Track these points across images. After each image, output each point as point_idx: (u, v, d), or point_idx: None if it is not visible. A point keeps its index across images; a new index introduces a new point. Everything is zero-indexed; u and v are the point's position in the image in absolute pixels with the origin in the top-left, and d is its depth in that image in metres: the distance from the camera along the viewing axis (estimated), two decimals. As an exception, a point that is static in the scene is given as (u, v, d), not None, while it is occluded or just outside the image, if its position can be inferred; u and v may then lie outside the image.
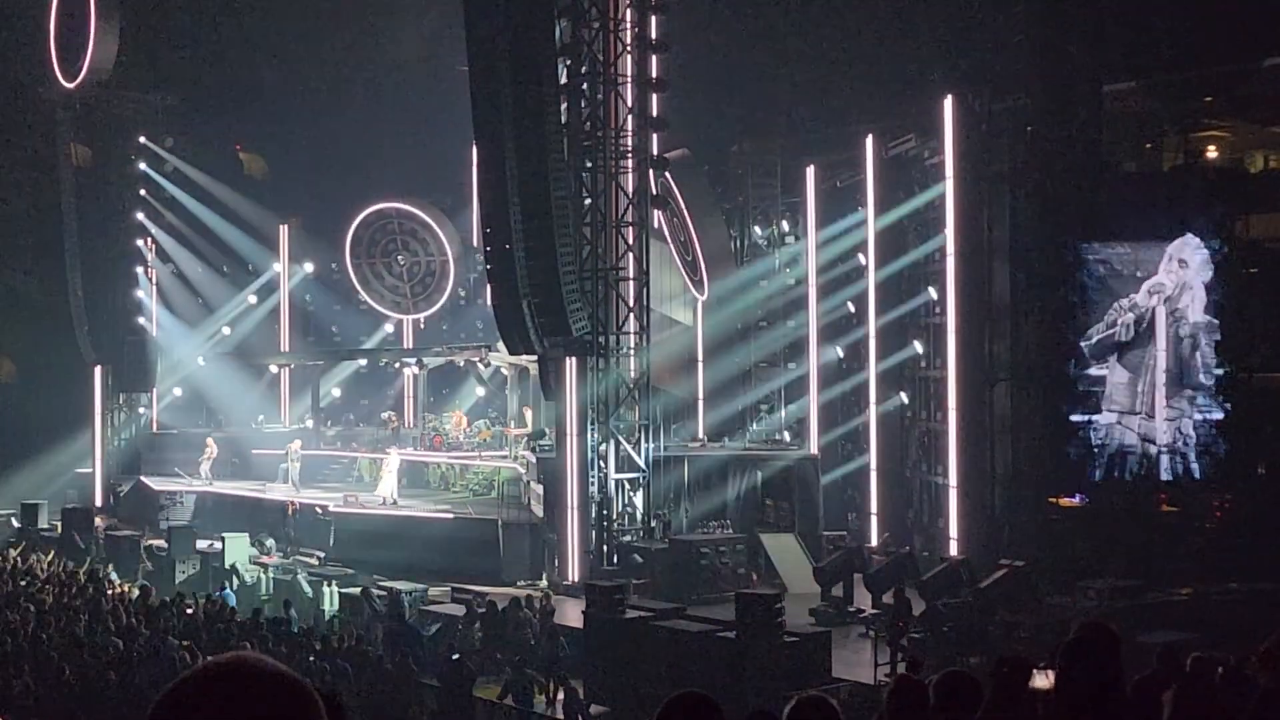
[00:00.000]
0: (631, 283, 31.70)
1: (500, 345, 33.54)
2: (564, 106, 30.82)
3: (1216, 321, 30.50)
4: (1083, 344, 30.56)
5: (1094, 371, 30.65)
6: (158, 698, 2.22)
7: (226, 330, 46.19)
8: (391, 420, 42.53)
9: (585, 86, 31.24)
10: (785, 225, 39.58)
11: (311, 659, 20.77)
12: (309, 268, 46.58)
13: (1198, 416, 30.57)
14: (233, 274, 46.61)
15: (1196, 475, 30.71)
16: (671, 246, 38.34)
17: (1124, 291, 30.60)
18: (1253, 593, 26.34)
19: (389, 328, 46.85)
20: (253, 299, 46.50)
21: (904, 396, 34.75)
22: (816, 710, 4.88)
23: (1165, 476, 30.72)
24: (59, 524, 36.92)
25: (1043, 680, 6.35)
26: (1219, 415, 30.58)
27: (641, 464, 31.34)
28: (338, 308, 46.95)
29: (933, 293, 33.36)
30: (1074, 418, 30.64)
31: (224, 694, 2.20)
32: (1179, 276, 30.67)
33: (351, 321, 47.12)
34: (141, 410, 44.67)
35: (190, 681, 2.23)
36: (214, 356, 45.05)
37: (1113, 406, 30.57)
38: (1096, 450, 30.57)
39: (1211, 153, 33.52)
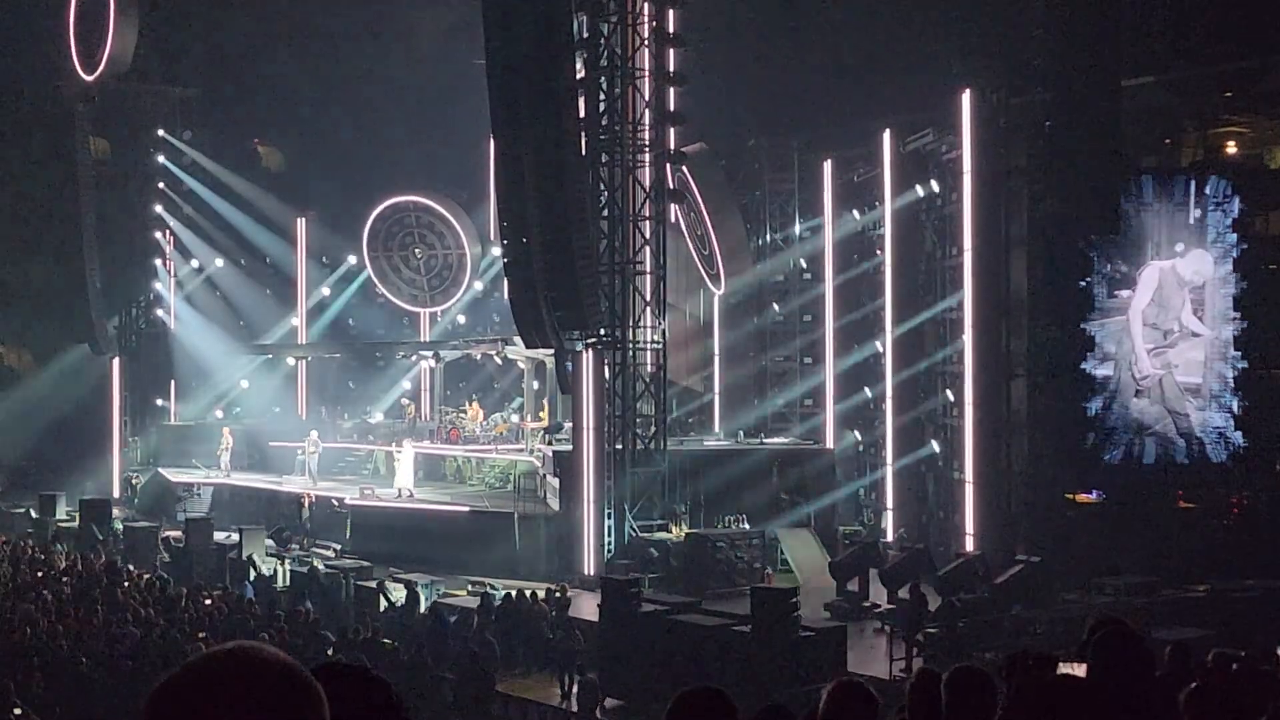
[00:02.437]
0: (648, 277, 31.70)
1: (517, 339, 33.56)
2: (581, 101, 30.81)
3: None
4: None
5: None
6: (156, 685, 2.23)
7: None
8: (409, 408, 42.63)
9: (603, 81, 31.22)
10: (802, 219, 39.55)
11: (329, 651, 20.83)
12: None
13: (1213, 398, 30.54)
14: (250, 267, 46.73)
15: (1213, 460, 30.65)
16: (688, 241, 38.34)
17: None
18: (1270, 590, 26.27)
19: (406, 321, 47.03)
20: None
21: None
22: (852, 694, 4.88)
23: (1181, 459, 30.70)
24: (77, 515, 37.06)
25: (1068, 672, 6.33)
26: (1235, 408, 30.59)
27: (657, 458, 31.35)
28: (355, 301, 47.05)
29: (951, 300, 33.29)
30: (1089, 406, 30.61)
31: (223, 683, 2.20)
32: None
33: (369, 315, 47.20)
34: (159, 402, 44.82)
35: (190, 670, 2.23)
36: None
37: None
38: (1112, 432, 30.58)
39: (1230, 148, 33.41)
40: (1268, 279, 30.85)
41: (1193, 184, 30.81)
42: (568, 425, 33.19)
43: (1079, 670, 6.13)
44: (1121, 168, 31.09)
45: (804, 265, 39.35)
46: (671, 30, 31.21)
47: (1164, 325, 30.77)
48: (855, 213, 37.12)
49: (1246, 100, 32.52)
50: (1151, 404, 30.80)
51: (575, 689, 22.30)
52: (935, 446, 34.03)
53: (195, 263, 45.69)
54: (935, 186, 33.75)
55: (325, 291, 46.84)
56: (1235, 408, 30.74)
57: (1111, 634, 5.92)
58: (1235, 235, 30.62)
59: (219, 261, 45.81)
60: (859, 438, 37.32)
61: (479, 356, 42.24)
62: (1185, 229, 30.65)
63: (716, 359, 40.11)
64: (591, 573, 29.75)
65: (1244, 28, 29.45)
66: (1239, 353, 30.74)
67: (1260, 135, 33.74)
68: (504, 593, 27.25)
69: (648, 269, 31.68)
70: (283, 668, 2.24)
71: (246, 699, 2.18)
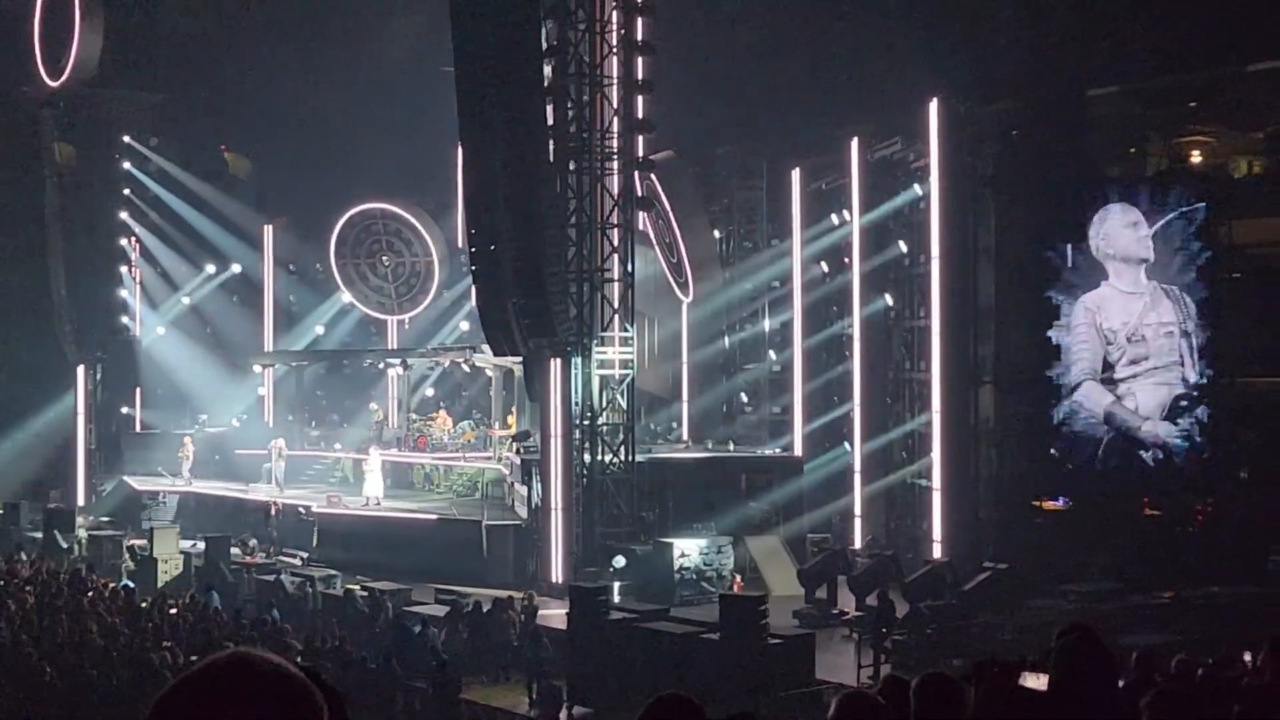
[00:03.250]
0: (616, 284, 31.70)
1: (485, 346, 33.51)
2: (549, 108, 30.79)
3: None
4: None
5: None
6: (157, 696, 2.22)
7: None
8: (378, 413, 42.49)
9: (571, 88, 31.22)
10: (770, 227, 39.59)
11: (298, 659, 20.72)
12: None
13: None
14: (218, 275, 46.43)
15: (1178, 460, 30.79)
16: (657, 248, 38.35)
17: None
18: (1234, 596, 26.45)
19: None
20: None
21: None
22: (860, 706, 4.88)
23: (1147, 467, 30.86)
24: (41, 523, 36.75)
25: (1033, 681, 6.35)
26: (1201, 415, 30.78)
27: (625, 466, 31.31)
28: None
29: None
30: (1055, 414, 30.74)
31: (222, 692, 2.19)
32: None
33: (337, 321, 46.99)
34: (124, 410, 44.50)
35: (189, 680, 2.22)
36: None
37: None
38: (1078, 439, 30.74)
39: (1195, 158, 33.61)
40: (1232, 288, 31.06)
41: (1157, 193, 31.03)
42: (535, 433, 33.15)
43: (1044, 677, 6.15)
44: (1087, 177, 31.29)
45: (772, 272, 39.36)
46: (640, 38, 31.24)
47: (1129, 333, 30.94)
48: (834, 217, 37.02)
49: (1211, 110, 32.71)
50: (1117, 412, 30.97)
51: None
52: (902, 452, 34.04)
53: (160, 269, 45.40)
54: (902, 193, 33.88)
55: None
56: (1200, 415, 30.93)
57: (1077, 640, 5.94)
58: (1199, 244, 30.83)
59: (184, 268, 45.50)
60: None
61: (447, 364, 42.16)
62: (1150, 238, 30.84)
63: (685, 367, 40.11)
64: (560, 580, 29.70)
65: (1209, 38, 29.63)
66: (1204, 361, 30.93)
67: (1225, 145, 33.92)
68: (473, 600, 27.18)
69: (616, 277, 31.67)
70: (280, 675, 2.24)
71: (246, 707, 2.18)
